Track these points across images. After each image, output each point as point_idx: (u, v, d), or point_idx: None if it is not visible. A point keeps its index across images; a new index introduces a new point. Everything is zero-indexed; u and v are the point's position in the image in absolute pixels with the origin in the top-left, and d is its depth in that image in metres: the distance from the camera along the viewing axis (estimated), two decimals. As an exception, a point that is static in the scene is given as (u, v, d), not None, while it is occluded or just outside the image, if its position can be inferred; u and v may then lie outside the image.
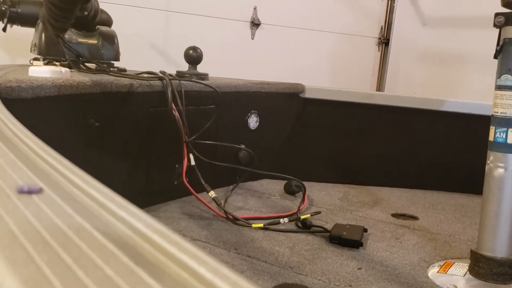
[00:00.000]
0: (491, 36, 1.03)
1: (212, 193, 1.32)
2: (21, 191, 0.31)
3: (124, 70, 1.44)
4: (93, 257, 0.22)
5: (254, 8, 2.43)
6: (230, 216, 1.28)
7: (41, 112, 0.98)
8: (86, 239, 0.24)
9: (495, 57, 0.99)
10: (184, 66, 1.54)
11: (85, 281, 0.20)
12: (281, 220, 1.29)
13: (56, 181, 0.34)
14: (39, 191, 0.31)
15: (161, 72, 1.37)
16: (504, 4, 0.97)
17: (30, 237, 0.24)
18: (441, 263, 1.09)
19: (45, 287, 0.19)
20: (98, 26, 1.50)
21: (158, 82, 1.31)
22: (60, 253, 0.22)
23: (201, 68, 1.54)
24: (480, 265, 0.98)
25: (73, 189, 0.32)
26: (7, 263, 0.21)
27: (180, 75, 1.48)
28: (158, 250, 0.23)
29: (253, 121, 1.68)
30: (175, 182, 1.39)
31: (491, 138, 0.99)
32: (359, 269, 1.03)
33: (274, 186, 1.66)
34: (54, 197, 0.30)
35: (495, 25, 0.98)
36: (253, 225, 1.24)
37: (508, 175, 0.97)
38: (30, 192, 0.31)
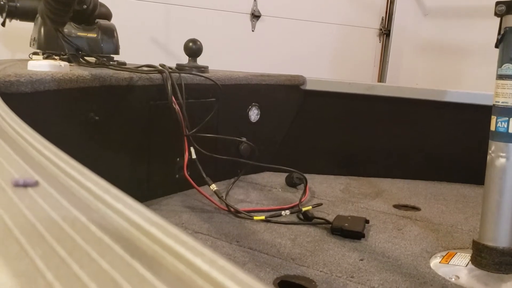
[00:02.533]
0: (492, 26, 1.02)
1: (213, 186, 1.32)
2: (16, 184, 0.30)
3: (124, 64, 1.43)
4: (88, 250, 0.22)
5: (254, 0, 2.41)
6: (232, 209, 1.28)
7: (40, 106, 0.98)
8: (81, 231, 0.24)
9: (496, 46, 0.99)
10: (184, 59, 1.53)
11: (79, 274, 0.20)
12: (283, 213, 1.29)
13: (52, 174, 0.33)
14: (34, 184, 0.31)
15: (160, 65, 1.37)
16: (505, -7, 0.96)
17: (24, 230, 0.23)
18: (443, 253, 1.09)
19: (39, 281, 0.19)
20: (97, 20, 1.49)
21: (158, 75, 1.30)
22: (55, 246, 0.22)
23: (201, 61, 1.54)
24: (482, 255, 0.98)
25: (70, 181, 0.32)
26: (0, 257, 0.20)
27: (180, 68, 1.48)
28: (154, 242, 0.23)
29: (254, 114, 1.67)
30: (177, 176, 1.39)
31: (492, 128, 0.99)
32: (361, 260, 1.02)
33: (275, 179, 1.65)
34: (50, 190, 0.30)
35: (496, 14, 0.97)
36: (255, 218, 1.24)
37: (510, 165, 0.96)
38: (25, 185, 0.31)
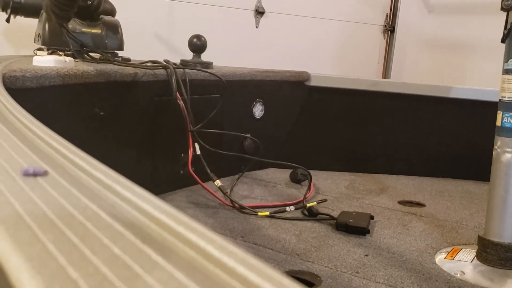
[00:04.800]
0: (498, 21, 1.02)
1: (218, 182, 1.32)
2: (26, 174, 0.31)
3: (128, 60, 1.43)
4: (100, 236, 0.22)
5: (258, -3, 2.41)
6: (236, 205, 1.28)
7: (45, 102, 0.98)
8: (92, 219, 0.24)
9: (503, 41, 0.98)
10: (188, 55, 1.53)
11: (92, 259, 0.20)
12: (287, 208, 1.29)
13: (61, 165, 0.34)
14: (44, 173, 0.31)
15: (165, 61, 1.37)
16: (512, -13, 0.95)
17: (35, 217, 0.24)
18: (448, 249, 1.09)
19: (51, 265, 0.19)
20: (101, 16, 1.49)
21: (163, 71, 1.30)
22: (66, 232, 0.22)
23: (205, 57, 1.53)
24: (487, 250, 0.98)
25: (78, 172, 0.32)
26: (12, 242, 0.20)
27: (184, 64, 1.48)
28: (165, 230, 0.23)
29: (258, 110, 1.67)
30: (181, 172, 1.39)
31: (498, 123, 0.98)
32: (366, 256, 1.02)
33: (279, 175, 1.65)
34: (60, 180, 0.30)
35: (502, 9, 0.97)
36: (259, 213, 1.24)
37: (516, 160, 0.96)
38: (35, 174, 0.31)
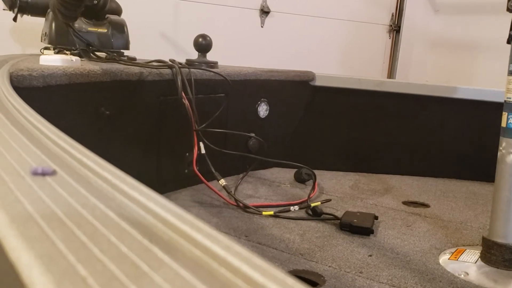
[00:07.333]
0: (504, 22, 1.02)
1: (222, 181, 1.32)
2: (35, 173, 0.31)
3: (134, 59, 1.44)
4: (108, 235, 0.22)
5: (263, -4, 2.42)
6: (241, 204, 1.29)
7: (52, 101, 0.99)
8: (100, 218, 0.24)
9: (508, 42, 0.98)
10: (194, 55, 1.54)
11: (100, 257, 0.20)
12: (292, 208, 1.30)
13: (69, 164, 0.34)
14: (52, 173, 0.32)
15: (170, 60, 1.37)
16: (518, -12, 0.95)
17: (44, 215, 0.24)
18: (453, 250, 1.09)
19: (61, 262, 0.19)
20: (107, 15, 1.50)
21: (168, 71, 1.31)
22: (75, 230, 0.23)
23: (210, 56, 1.54)
24: (492, 252, 0.98)
25: (86, 171, 0.32)
26: (22, 240, 0.21)
27: (189, 63, 1.48)
28: (171, 229, 0.24)
29: (263, 109, 1.67)
30: (186, 171, 1.40)
31: (503, 124, 0.98)
32: (370, 256, 1.03)
33: (284, 175, 1.66)
34: (68, 179, 0.31)
35: (508, 10, 0.97)
36: (264, 213, 1.25)
37: (520, 161, 0.96)
38: (44, 173, 0.31)
